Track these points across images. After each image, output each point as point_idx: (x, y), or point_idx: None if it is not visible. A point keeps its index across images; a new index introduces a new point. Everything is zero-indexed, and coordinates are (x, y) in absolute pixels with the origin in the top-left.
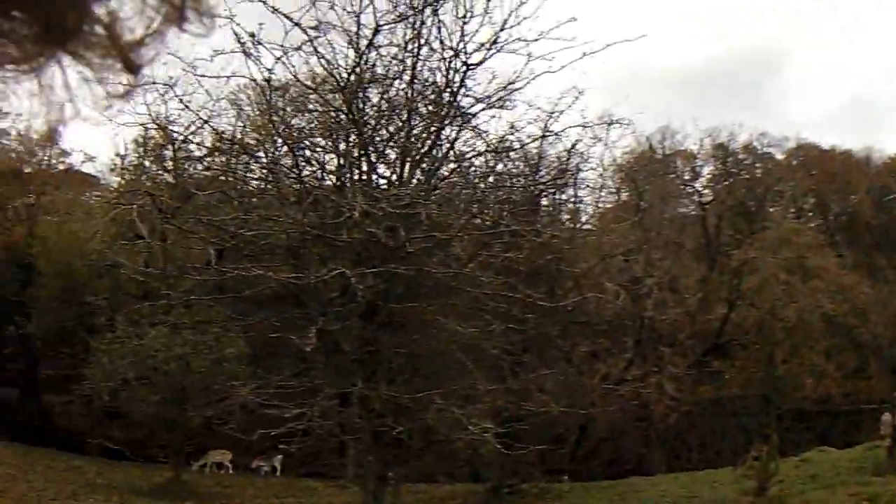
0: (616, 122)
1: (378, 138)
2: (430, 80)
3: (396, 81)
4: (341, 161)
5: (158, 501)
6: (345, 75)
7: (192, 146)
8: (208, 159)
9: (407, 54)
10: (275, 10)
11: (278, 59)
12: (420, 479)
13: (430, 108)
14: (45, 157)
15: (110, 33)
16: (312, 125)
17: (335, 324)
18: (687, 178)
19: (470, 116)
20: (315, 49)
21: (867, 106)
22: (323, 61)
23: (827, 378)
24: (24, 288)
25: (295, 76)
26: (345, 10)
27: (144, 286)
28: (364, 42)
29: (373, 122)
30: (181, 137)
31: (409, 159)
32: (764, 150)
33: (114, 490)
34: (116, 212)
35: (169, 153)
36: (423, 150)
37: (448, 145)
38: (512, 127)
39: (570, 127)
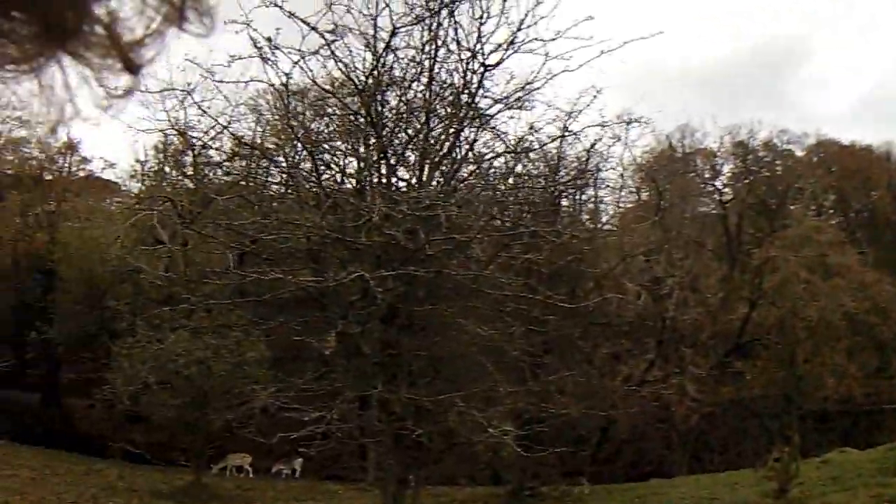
0: (635, 121)
1: (397, 141)
2: (448, 81)
3: (414, 84)
4: (361, 164)
5: None
6: (363, 78)
7: (211, 151)
8: (228, 164)
9: (424, 56)
10: (291, 15)
11: (296, 63)
12: (441, 482)
13: (449, 109)
14: (66, 164)
15: (110, 33)
16: (331, 129)
17: (355, 327)
18: (707, 176)
19: (488, 118)
20: (332, 53)
21: (886, 102)
22: (340, 65)
23: (848, 378)
24: (46, 293)
25: (313, 80)
26: (361, 13)
27: (165, 291)
28: (381, 45)
29: (391, 124)
30: (201, 143)
31: (428, 162)
32: (784, 148)
33: (134, 493)
34: (137, 217)
35: (189, 159)
36: (442, 153)
37: (467, 147)
38: (531, 127)
39: (589, 126)
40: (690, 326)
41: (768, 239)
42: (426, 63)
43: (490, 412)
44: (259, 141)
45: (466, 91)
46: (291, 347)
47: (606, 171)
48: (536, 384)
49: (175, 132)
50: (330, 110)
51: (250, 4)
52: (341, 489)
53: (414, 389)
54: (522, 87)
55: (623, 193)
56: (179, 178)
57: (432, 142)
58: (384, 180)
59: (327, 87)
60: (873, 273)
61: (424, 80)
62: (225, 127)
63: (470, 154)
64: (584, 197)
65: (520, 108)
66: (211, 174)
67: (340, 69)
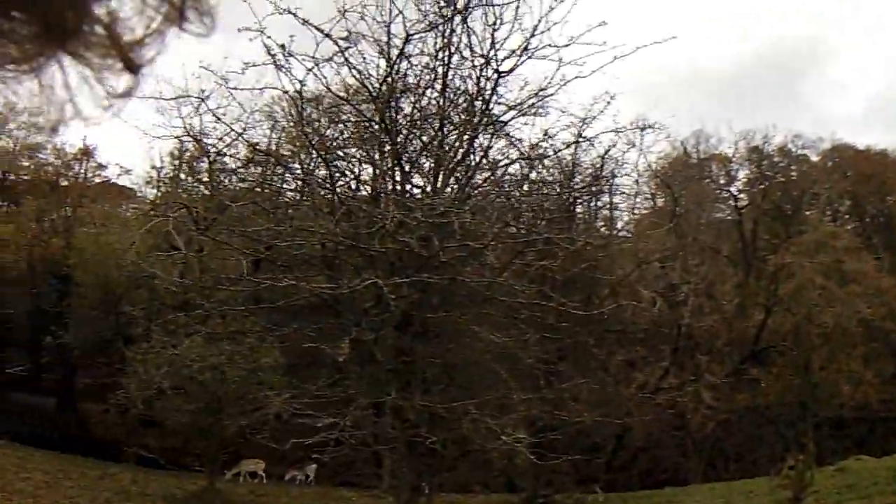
0: (649, 127)
1: (411, 148)
2: (462, 88)
3: (428, 91)
4: (375, 171)
5: None
6: (377, 85)
7: (227, 158)
8: (243, 171)
9: (438, 63)
10: (305, 22)
11: (310, 70)
12: (454, 489)
13: (463, 116)
14: (82, 170)
15: (110, 33)
16: (346, 136)
17: (369, 334)
18: (722, 182)
19: (503, 124)
20: (346, 60)
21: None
22: (354, 72)
23: (864, 384)
24: (62, 299)
25: (327, 87)
26: (375, 20)
27: (180, 297)
28: (395, 52)
29: (405, 131)
30: (216, 150)
31: (442, 168)
32: (799, 153)
33: (147, 498)
34: (152, 223)
35: (204, 165)
36: (456, 159)
37: (481, 154)
38: (545, 134)
39: (604, 132)
40: (706, 333)
41: (784, 245)
42: (440, 70)
43: (504, 419)
44: (274, 148)
45: (480, 98)
46: (305, 354)
47: (621, 177)
48: (550, 391)
49: (190, 139)
50: (344, 117)
51: (264, 12)
52: (355, 496)
53: (428, 396)
54: (536, 94)
55: (638, 200)
56: (195, 184)
57: (446, 149)
58: (398, 187)
59: (341, 93)
60: (889, 279)
61: (438, 86)
62: (240, 134)
63: (484, 161)
64: (598, 203)
65: (534, 114)
66: (226, 181)
67: (354, 76)
